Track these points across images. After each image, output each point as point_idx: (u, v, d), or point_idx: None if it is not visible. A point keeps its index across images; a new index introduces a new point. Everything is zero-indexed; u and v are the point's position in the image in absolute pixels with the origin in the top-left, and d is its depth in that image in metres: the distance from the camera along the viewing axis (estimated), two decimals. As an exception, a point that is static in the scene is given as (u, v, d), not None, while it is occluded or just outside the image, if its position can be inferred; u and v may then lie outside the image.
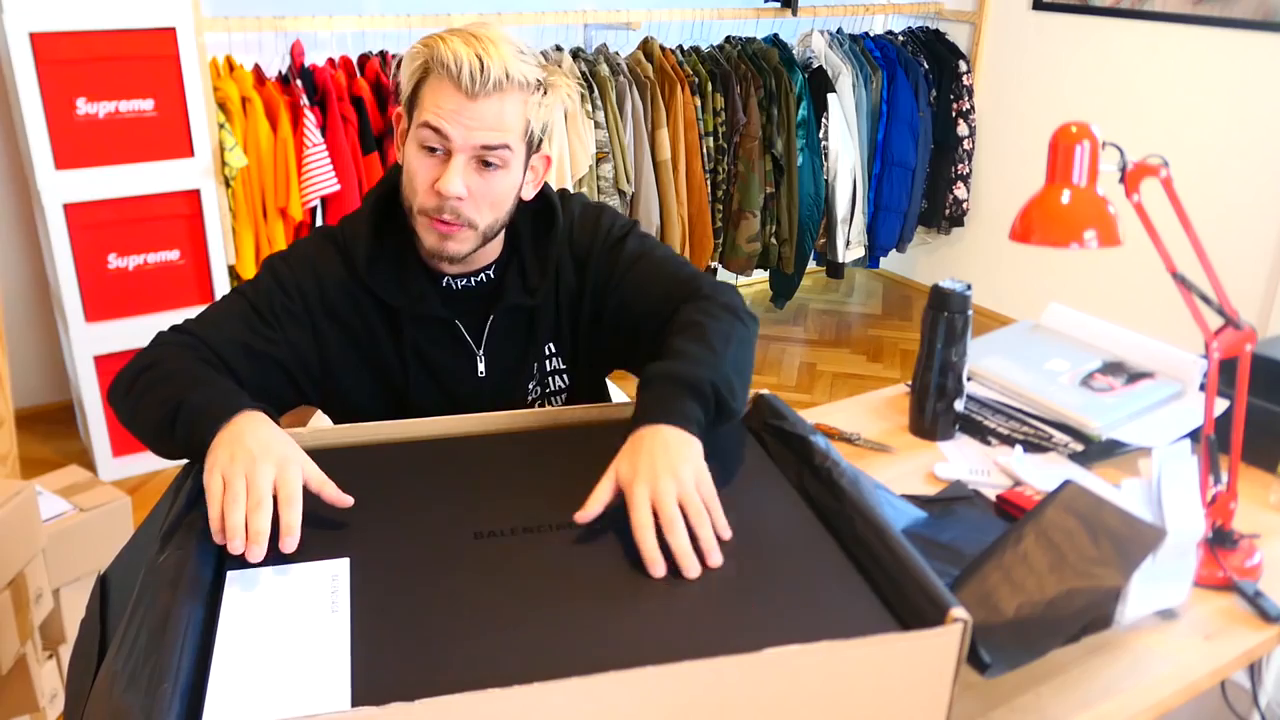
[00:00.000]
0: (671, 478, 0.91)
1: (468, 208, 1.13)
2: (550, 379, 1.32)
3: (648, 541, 0.87)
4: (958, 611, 0.77)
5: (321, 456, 1.04)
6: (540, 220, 1.27)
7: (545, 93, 1.14)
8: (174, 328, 1.17)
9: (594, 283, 1.27)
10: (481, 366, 1.27)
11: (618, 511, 0.95)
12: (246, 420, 0.97)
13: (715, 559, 0.88)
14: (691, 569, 0.86)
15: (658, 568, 0.86)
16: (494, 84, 1.09)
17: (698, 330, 1.11)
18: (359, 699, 0.70)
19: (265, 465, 0.90)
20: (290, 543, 0.87)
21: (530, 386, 1.30)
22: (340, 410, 1.28)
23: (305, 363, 1.21)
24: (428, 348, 1.25)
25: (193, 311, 1.20)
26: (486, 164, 1.13)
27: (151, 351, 1.13)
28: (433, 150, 1.12)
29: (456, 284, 1.24)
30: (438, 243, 1.16)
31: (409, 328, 1.23)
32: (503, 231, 1.23)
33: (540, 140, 1.18)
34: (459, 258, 1.18)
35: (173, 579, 0.80)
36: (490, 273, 1.25)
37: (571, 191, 1.32)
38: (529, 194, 1.22)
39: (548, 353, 1.31)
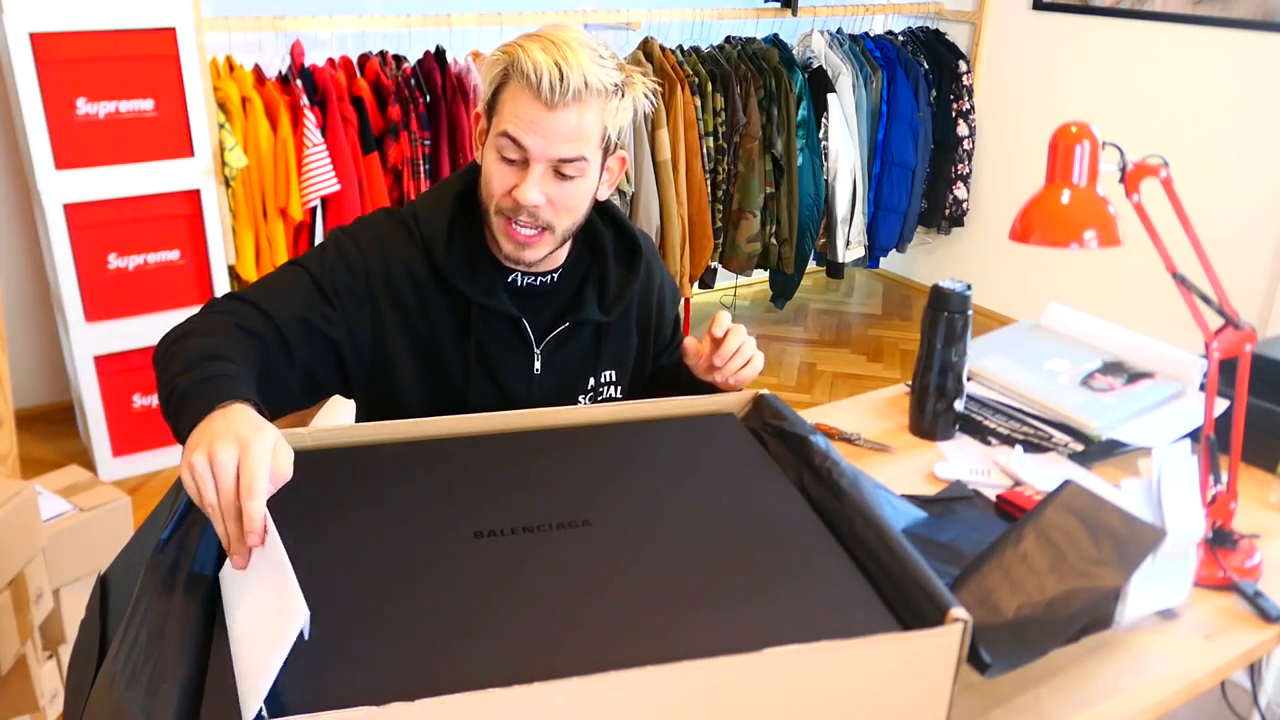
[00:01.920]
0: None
1: (545, 212, 1.15)
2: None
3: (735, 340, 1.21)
4: (958, 611, 0.77)
5: (322, 456, 1.04)
6: (622, 244, 1.31)
7: (623, 95, 1.15)
8: (232, 296, 1.15)
9: (653, 335, 1.38)
10: (538, 365, 1.27)
11: (618, 512, 0.95)
12: (222, 411, 0.89)
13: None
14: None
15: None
16: (573, 94, 1.09)
17: None
18: (359, 698, 0.70)
19: (226, 449, 0.81)
20: (253, 539, 0.78)
21: (581, 400, 1.32)
22: (379, 398, 1.25)
23: (359, 347, 1.20)
24: (489, 341, 1.25)
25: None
26: (563, 174, 1.14)
27: (195, 319, 1.11)
28: (511, 160, 1.13)
29: (521, 281, 1.25)
30: (515, 251, 1.18)
31: (476, 321, 1.23)
32: (573, 235, 1.24)
33: (618, 143, 1.19)
34: (537, 261, 1.20)
35: (173, 579, 0.80)
36: (555, 275, 1.26)
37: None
38: (604, 194, 1.24)
39: (605, 380, 1.33)
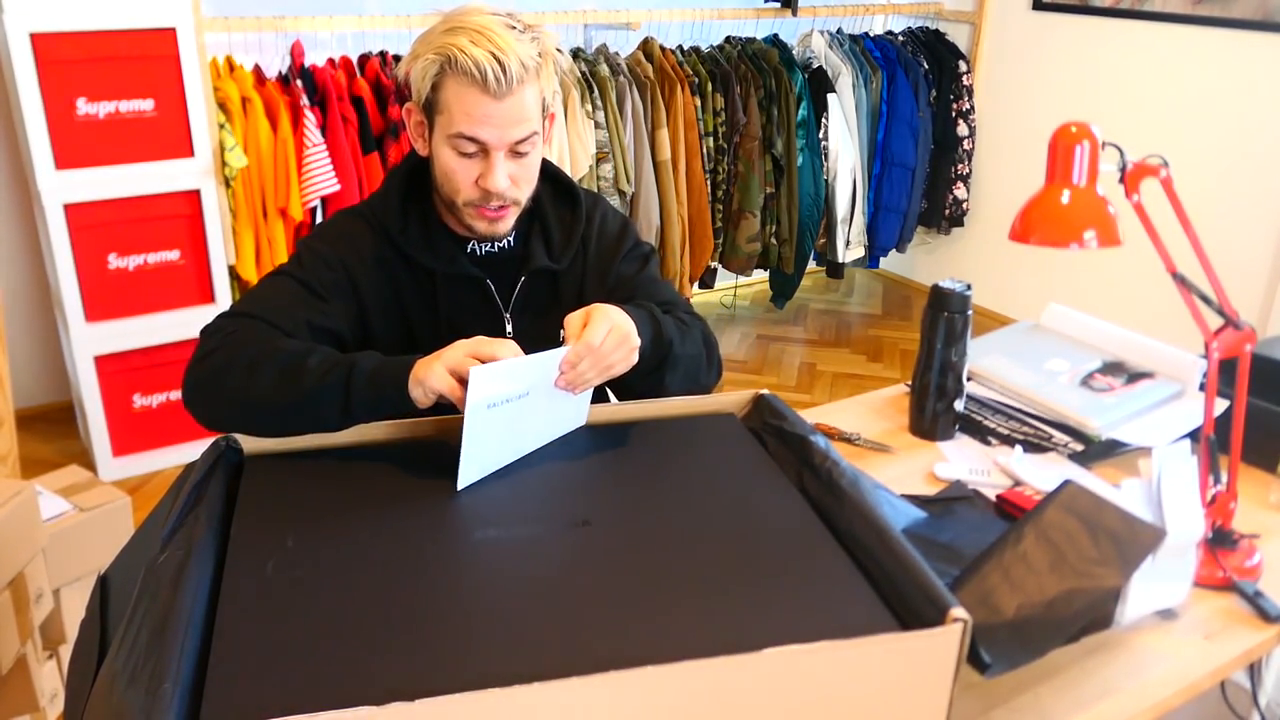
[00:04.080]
0: (619, 316, 1.10)
1: (511, 193, 1.20)
2: None
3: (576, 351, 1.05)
4: (957, 611, 0.77)
5: (322, 456, 1.04)
6: (560, 193, 1.34)
7: (541, 56, 1.18)
8: (231, 314, 1.18)
9: (613, 281, 1.34)
10: (509, 328, 1.30)
11: (619, 512, 0.95)
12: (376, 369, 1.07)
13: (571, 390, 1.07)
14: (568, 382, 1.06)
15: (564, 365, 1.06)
16: (516, 80, 1.13)
17: (681, 324, 1.27)
18: (359, 698, 0.70)
19: (433, 378, 1.02)
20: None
21: None
22: None
23: (354, 334, 1.25)
24: (459, 310, 1.28)
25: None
26: (519, 152, 1.19)
27: (232, 335, 1.14)
28: (469, 153, 1.17)
29: (481, 249, 1.29)
30: (489, 228, 1.23)
31: (443, 291, 1.27)
32: None
33: (549, 105, 1.23)
34: (509, 233, 1.26)
35: (173, 579, 0.80)
36: (511, 239, 1.30)
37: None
38: (543, 154, 1.28)
39: None
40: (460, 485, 0.99)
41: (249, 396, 1.07)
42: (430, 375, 1.03)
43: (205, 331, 1.16)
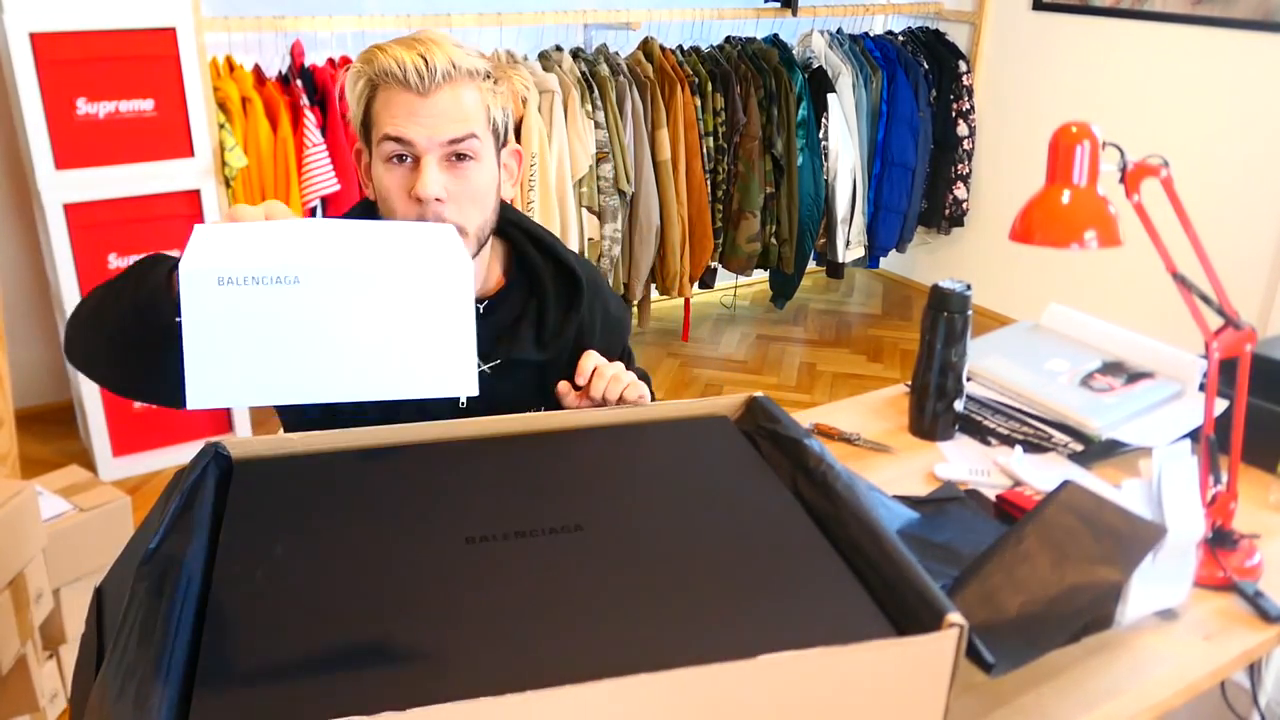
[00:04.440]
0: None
1: (450, 211, 1.10)
2: None
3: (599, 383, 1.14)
4: (954, 617, 0.77)
5: (313, 460, 1.04)
6: (562, 278, 1.27)
7: (496, 81, 1.12)
8: None
9: (586, 343, 1.27)
10: (462, 400, 1.22)
11: (611, 516, 0.95)
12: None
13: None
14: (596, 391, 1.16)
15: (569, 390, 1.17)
16: (443, 75, 1.07)
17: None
18: (348, 708, 0.69)
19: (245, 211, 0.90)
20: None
21: None
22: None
23: None
24: None
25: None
26: (458, 158, 1.10)
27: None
28: (401, 160, 1.09)
29: None
30: None
31: None
32: (500, 261, 1.23)
33: (506, 134, 1.16)
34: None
35: (161, 588, 0.80)
36: (484, 305, 1.23)
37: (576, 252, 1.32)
38: (508, 193, 1.20)
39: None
40: (190, 402, 0.75)
41: (98, 318, 1.03)
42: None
43: None
